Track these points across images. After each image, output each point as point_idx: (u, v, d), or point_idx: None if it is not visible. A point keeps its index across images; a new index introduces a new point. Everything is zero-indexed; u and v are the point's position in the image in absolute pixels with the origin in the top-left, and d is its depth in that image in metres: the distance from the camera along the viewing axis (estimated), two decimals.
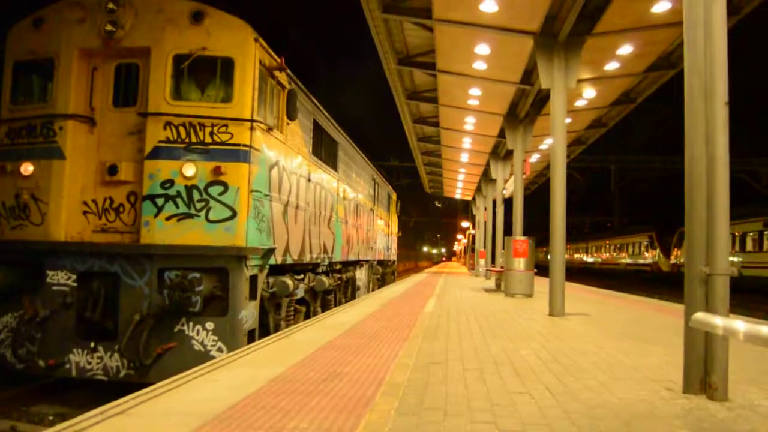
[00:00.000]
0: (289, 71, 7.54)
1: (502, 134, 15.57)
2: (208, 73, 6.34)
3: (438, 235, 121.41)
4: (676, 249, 33.46)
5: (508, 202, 17.25)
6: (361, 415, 3.03)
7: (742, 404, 3.42)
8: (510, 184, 17.16)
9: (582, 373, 4.32)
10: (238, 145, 6.19)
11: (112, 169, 6.15)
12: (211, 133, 6.15)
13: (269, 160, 6.88)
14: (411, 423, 2.93)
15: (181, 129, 6.12)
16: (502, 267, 14.08)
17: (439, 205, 62.87)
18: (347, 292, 13.25)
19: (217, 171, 6.07)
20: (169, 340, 5.85)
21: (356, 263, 14.24)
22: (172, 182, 6.04)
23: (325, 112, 9.98)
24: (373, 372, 4.13)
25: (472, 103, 13.98)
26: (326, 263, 10.21)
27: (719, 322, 2.39)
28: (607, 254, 48.41)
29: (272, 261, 6.92)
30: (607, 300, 12.41)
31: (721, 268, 3.52)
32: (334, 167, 10.93)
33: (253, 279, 6.41)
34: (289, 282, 7.22)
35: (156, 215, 6.01)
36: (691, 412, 3.25)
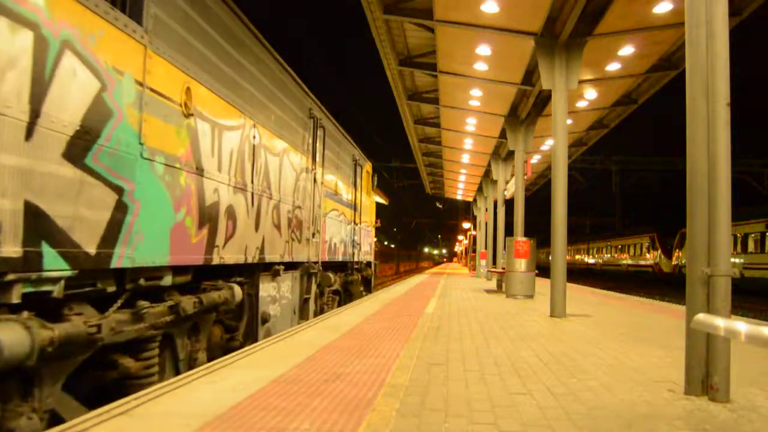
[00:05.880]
0: None
1: (503, 135, 15.59)
2: None
3: (439, 236, 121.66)
4: (677, 250, 33.41)
5: (510, 203, 17.27)
6: (363, 416, 3.03)
7: (743, 405, 3.42)
8: (511, 185, 17.18)
9: (583, 374, 4.31)
10: None
11: None
12: None
13: None
14: (412, 424, 2.93)
15: None
16: (503, 268, 14.08)
17: (441, 206, 62.93)
18: (239, 330, 6.36)
19: None
20: None
21: (260, 268, 6.83)
22: None
23: None
24: (374, 373, 4.13)
25: (473, 104, 13.99)
26: (76, 278, 3.31)
27: (720, 323, 2.38)
28: (609, 255, 48.35)
29: None
30: (608, 301, 12.39)
31: (723, 269, 3.52)
32: (175, 46, 4.46)
33: None
34: None
35: None
36: (692, 413, 3.25)
